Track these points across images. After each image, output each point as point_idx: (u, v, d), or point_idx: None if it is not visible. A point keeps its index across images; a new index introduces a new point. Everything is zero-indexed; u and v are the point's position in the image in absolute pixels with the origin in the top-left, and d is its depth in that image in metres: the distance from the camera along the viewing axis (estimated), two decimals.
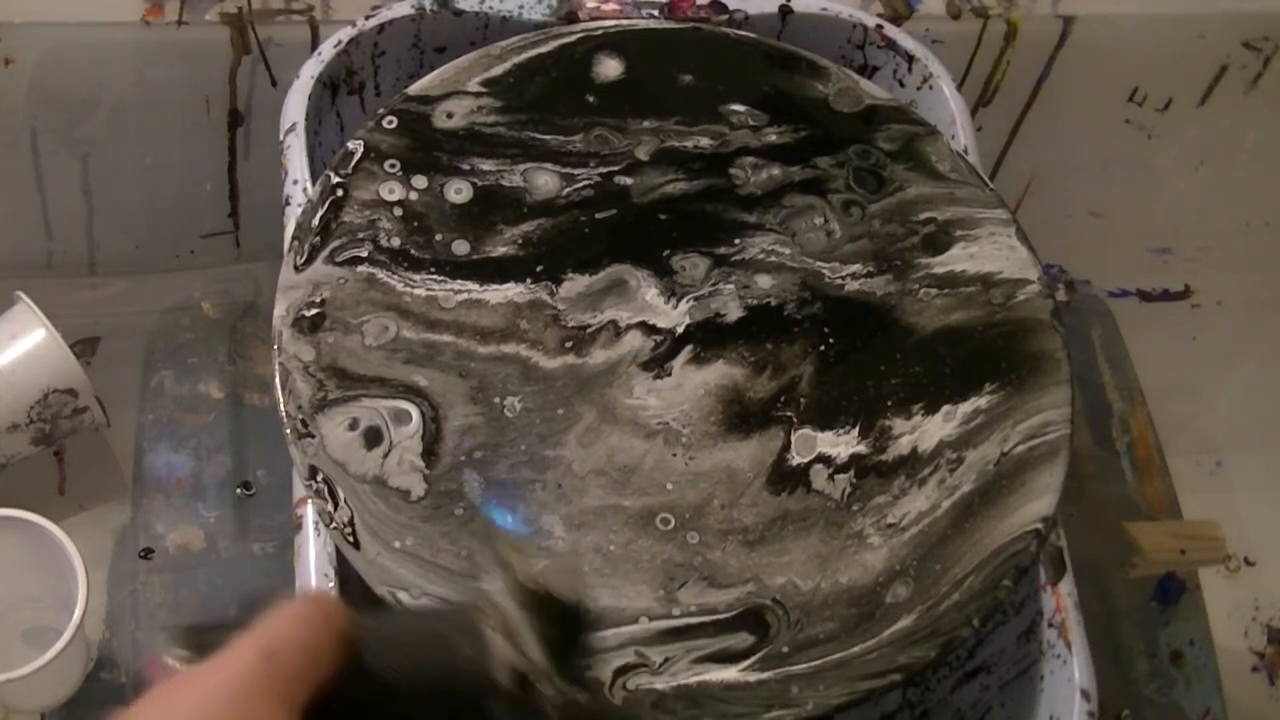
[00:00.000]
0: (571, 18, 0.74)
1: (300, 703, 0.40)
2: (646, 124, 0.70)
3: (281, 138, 0.68)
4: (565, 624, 0.48)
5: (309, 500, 0.58)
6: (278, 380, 0.59)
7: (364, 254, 0.63)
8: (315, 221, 0.63)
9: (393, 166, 0.65)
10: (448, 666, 0.44)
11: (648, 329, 0.65)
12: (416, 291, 0.63)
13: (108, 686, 0.73)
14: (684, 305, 0.66)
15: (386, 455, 0.58)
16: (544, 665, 0.46)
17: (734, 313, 0.66)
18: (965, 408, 0.63)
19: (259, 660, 0.40)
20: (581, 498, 0.60)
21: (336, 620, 0.42)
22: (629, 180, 0.68)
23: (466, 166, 0.67)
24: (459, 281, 0.64)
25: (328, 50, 0.71)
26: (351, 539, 0.56)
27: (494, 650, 0.45)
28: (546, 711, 0.51)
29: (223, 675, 0.39)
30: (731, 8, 0.76)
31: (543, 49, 0.70)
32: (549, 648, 0.46)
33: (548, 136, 0.68)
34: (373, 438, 0.59)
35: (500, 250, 0.65)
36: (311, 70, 0.70)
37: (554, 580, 0.48)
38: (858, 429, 0.63)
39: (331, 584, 0.57)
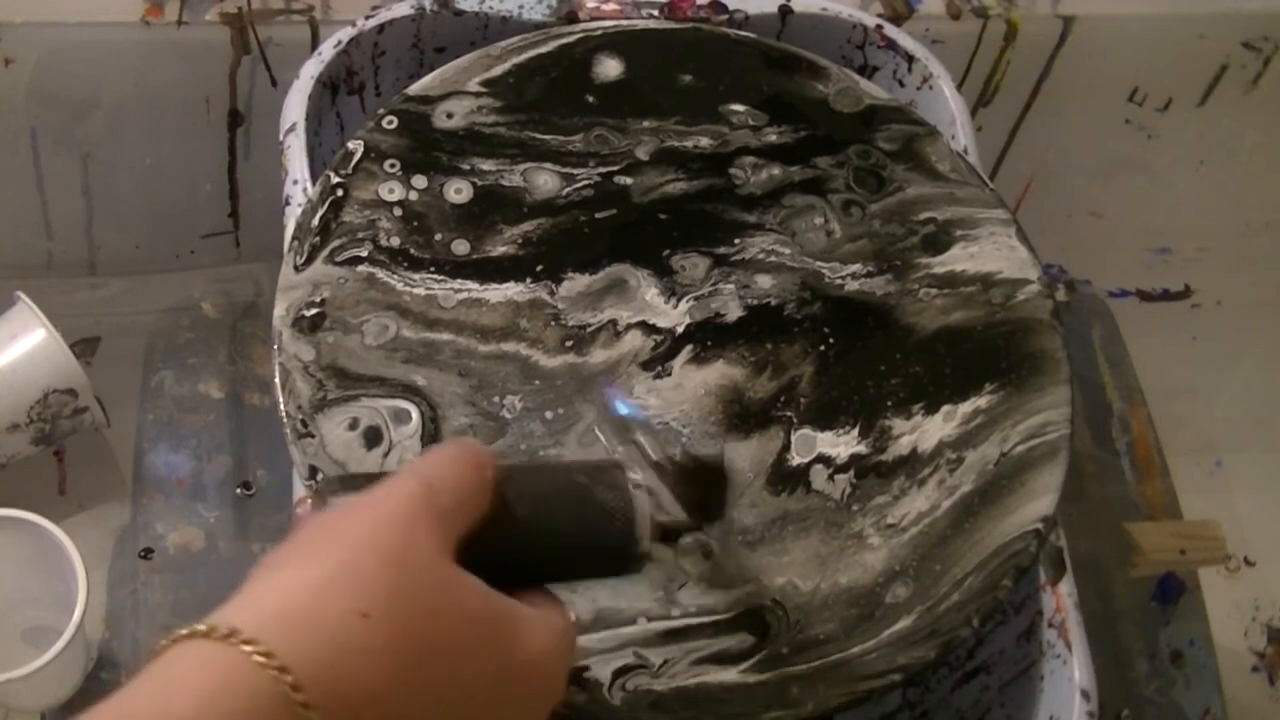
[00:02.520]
0: (571, 18, 0.74)
1: (456, 538, 0.40)
2: (646, 124, 0.70)
3: (281, 138, 0.68)
4: (701, 481, 0.49)
5: (309, 500, 0.58)
6: (278, 380, 0.59)
7: (364, 254, 0.63)
8: (315, 221, 0.63)
9: (393, 166, 0.65)
10: (593, 519, 0.45)
11: (648, 328, 0.65)
12: (416, 291, 0.63)
13: (108, 686, 0.73)
14: (684, 305, 0.66)
15: (386, 455, 0.58)
16: (686, 521, 0.47)
17: (734, 312, 0.66)
18: (965, 408, 0.63)
19: (421, 490, 0.40)
20: None
21: (489, 465, 0.42)
22: (629, 180, 0.68)
23: (466, 166, 0.67)
24: (459, 281, 0.64)
25: (328, 50, 0.71)
26: None
27: (639, 506, 0.45)
28: (685, 566, 0.52)
29: (387, 503, 0.40)
30: (731, 8, 0.76)
31: (543, 49, 0.70)
32: (689, 504, 0.47)
33: (548, 136, 0.68)
34: (373, 437, 0.59)
35: (500, 250, 0.65)
36: (311, 70, 0.70)
37: (688, 444, 0.49)
38: (858, 429, 0.63)
39: None
